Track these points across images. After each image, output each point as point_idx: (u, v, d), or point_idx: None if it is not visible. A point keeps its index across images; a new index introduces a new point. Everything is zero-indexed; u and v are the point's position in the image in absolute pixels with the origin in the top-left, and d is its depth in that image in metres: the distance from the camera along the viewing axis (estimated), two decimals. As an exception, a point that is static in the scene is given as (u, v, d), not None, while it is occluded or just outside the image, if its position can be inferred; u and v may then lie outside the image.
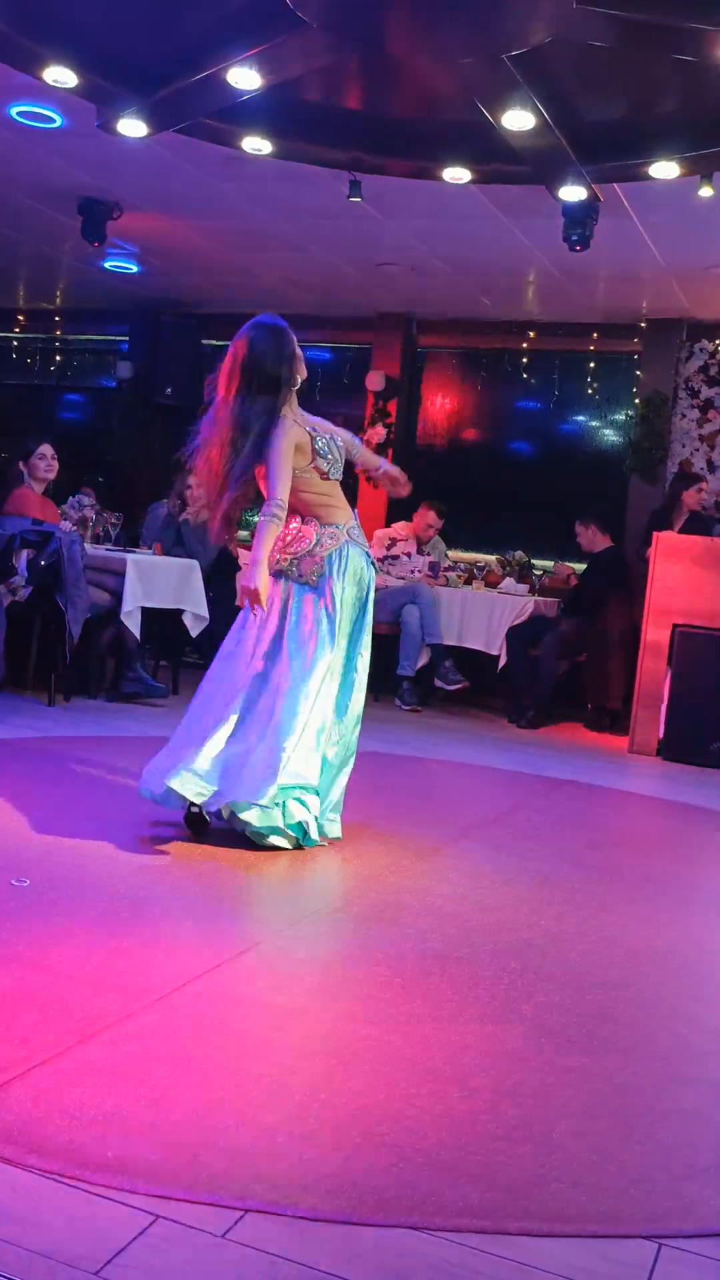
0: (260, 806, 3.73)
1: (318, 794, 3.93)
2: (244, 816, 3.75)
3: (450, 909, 3.33)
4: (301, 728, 3.85)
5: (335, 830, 4.02)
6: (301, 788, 3.84)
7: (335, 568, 4.01)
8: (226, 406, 3.91)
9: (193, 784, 3.69)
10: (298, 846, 3.86)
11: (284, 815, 3.79)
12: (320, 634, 3.98)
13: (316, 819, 3.91)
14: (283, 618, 4.01)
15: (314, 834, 3.89)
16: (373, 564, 4.17)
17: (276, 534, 3.87)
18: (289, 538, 4.08)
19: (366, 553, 4.13)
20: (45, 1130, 1.84)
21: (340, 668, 4.05)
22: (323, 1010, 2.48)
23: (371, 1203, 1.75)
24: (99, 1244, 1.59)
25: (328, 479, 4.05)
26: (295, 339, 4.02)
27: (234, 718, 3.88)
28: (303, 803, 3.85)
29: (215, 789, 3.73)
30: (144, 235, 7.88)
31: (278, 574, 4.05)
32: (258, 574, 3.82)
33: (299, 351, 4.02)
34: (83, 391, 10.93)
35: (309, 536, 4.05)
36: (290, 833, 3.83)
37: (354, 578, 4.04)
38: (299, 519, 4.10)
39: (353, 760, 4.08)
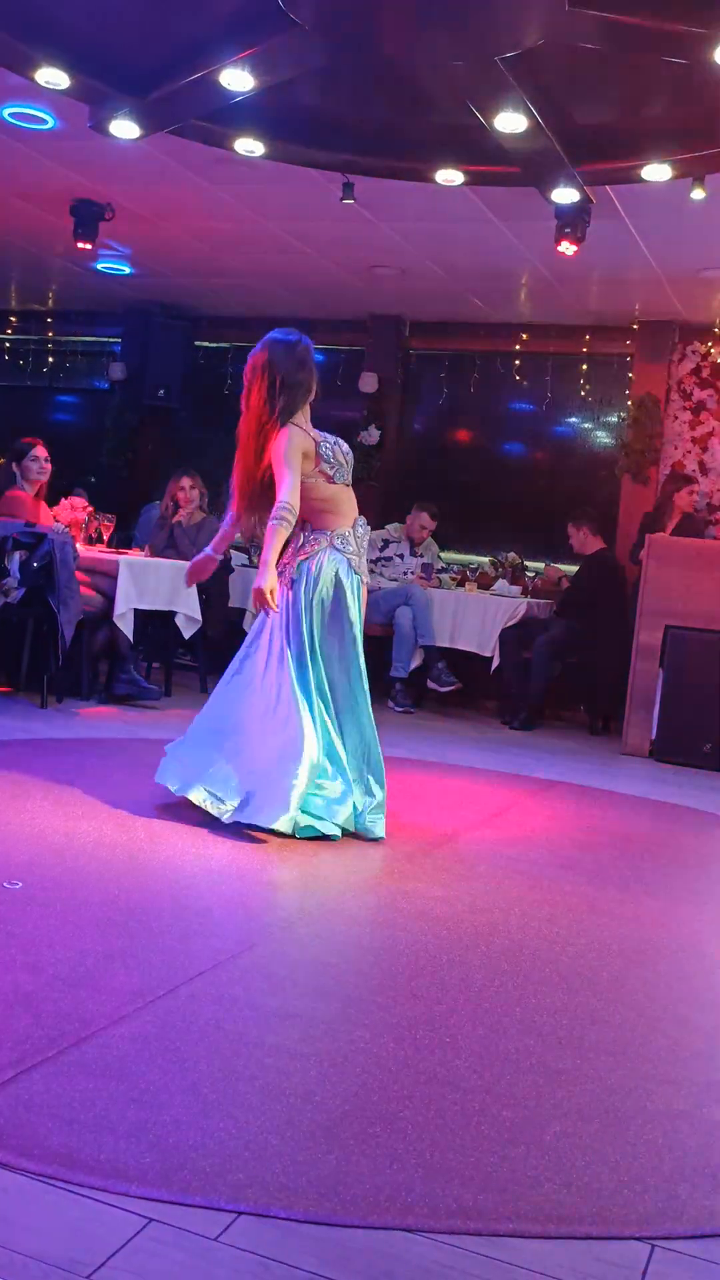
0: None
1: (344, 783, 4.08)
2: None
3: (442, 911, 3.34)
4: (307, 738, 3.99)
5: (379, 829, 4.12)
6: (321, 789, 4.03)
7: (307, 573, 4.12)
8: (250, 414, 4.09)
9: (213, 804, 3.95)
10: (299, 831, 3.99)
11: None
12: (296, 639, 4.11)
13: (352, 813, 4.06)
14: (286, 624, 4.14)
15: (328, 828, 4.00)
16: (355, 571, 4.21)
17: (285, 536, 3.99)
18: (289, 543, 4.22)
19: (349, 560, 4.18)
20: (38, 1132, 1.84)
21: (331, 668, 4.14)
22: (315, 1012, 2.48)
23: (364, 1205, 1.75)
24: (93, 1247, 1.59)
25: (333, 483, 4.16)
26: (312, 351, 4.19)
27: (247, 729, 4.08)
28: (313, 801, 4.01)
29: (234, 805, 3.93)
30: (136, 237, 7.87)
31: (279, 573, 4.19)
32: (266, 575, 3.94)
33: (314, 364, 4.18)
34: (75, 393, 10.92)
35: (296, 540, 4.18)
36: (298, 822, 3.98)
37: (326, 583, 4.13)
38: (299, 524, 4.21)
39: (379, 755, 4.19)
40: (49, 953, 2.63)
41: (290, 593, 4.12)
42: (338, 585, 4.12)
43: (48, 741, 5.28)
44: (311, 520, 4.18)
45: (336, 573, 4.13)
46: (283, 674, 4.07)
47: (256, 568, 8.47)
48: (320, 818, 3.99)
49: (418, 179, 6.02)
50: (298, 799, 3.90)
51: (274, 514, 3.94)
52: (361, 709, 4.17)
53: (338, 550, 4.15)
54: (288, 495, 3.95)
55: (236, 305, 9.61)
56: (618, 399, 8.99)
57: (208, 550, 4.39)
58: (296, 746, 3.96)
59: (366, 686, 4.20)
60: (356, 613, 4.19)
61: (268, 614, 4.04)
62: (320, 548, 4.13)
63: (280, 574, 4.15)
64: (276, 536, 3.93)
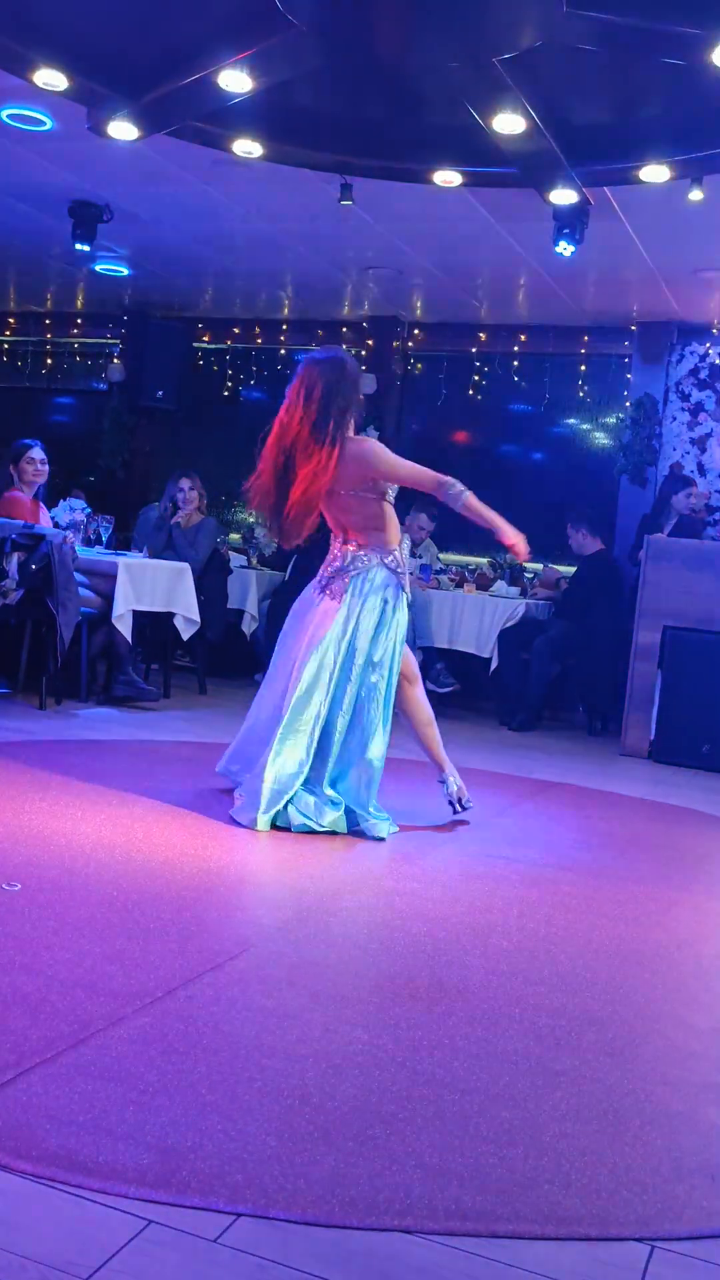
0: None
1: (335, 788, 4.16)
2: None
3: (441, 911, 3.34)
4: (285, 743, 4.08)
5: (375, 831, 4.12)
6: (313, 791, 4.13)
7: (355, 590, 4.14)
8: (286, 431, 4.09)
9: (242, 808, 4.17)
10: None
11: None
12: (333, 651, 4.12)
13: (344, 818, 4.13)
14: (325, 635, 4.16)
15: (318, 826, 4.07)
16: (402, 588, 4.23)
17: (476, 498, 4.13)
18: (330, 555, 4.22)
19: (400, 581, 4.21)
20: (36, 1134, 1.84)
21: (342, 677, 4.16)
22: (313, 1014, 2.47)
23: (363, 1206, 1.75)
24: (91, 1249, 1.58)
25: (384, 500, 4.19)
26: (358, 368, 4.27)
27: (264, 732, 4.19)
28: (305, 799, 4.10)
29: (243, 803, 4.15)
30: (134, 238, 7.87)
31: (321, 588, 4.18)
32: (508, 527, 4.15)
33: (360, 380, 4.26)
34: (73, 394, 10.92)
35: (344, 555, 4.18)
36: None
37: (374, 603, 4.14)
38: (341, 537, 4.21)
39: (378, 765, 4.20)
40: (47, 954, 2.63)
41: (337, 605, 4.13)
42: (384, 607, 4.15)
43: (47, 743, 5.28)
44: (359, 538, 4.19)
45: (385, 593, 4.15)
46: (297, 681, 4.09)
47: (255, 569, 8.47)
48: (308, 817, 4.06)
49: (416, 180, 6.02)
50: (267, 802, 4.01)
51: (451, 494, 4.07)
52: (379, 723, 4.17)
53: (390, 570, 4.19)
54: (429, 473, 4.11)
55: (235, 306, 9.61)
56: (616, 400, 8.99)
57: None
58: (268, 750, 4.07)
59: (389, 702, 4.21)
60: (400, 636, 4.19)
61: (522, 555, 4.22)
62: (372, 564, 4.15)
63: (326, 588, 4.16)
64: (472, 499, 4.11)
